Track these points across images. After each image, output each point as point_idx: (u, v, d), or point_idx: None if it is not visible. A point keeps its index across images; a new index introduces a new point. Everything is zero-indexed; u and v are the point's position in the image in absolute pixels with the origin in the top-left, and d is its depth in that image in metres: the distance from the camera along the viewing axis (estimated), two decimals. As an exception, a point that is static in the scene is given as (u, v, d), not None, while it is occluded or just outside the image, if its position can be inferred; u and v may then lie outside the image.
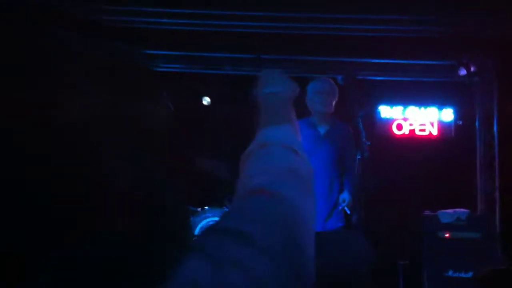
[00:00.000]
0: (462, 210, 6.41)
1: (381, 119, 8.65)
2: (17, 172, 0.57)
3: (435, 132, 8.67)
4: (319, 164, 5.21)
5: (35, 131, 0.57)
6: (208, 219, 7.05)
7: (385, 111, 8.67)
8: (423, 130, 8.68)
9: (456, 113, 8.70)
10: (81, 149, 0.59)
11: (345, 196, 5.68)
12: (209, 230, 0.77)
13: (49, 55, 0.63)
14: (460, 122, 8.66)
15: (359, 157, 5.11)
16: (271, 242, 0.76)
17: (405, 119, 8.68)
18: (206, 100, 8.64)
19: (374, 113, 8.50)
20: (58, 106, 0.59)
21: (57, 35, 0.68)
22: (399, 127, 8.66)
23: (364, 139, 5.07)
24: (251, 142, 1.07)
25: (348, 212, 5.75)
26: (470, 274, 5.98)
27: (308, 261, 0.81)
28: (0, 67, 0.60)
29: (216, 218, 7.03)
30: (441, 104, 8.71)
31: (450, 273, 6.00)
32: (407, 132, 8.65)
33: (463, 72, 7.93)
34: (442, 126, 8.68)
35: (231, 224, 0.78)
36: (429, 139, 8.65)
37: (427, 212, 6.49)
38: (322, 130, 5.81)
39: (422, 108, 8.72)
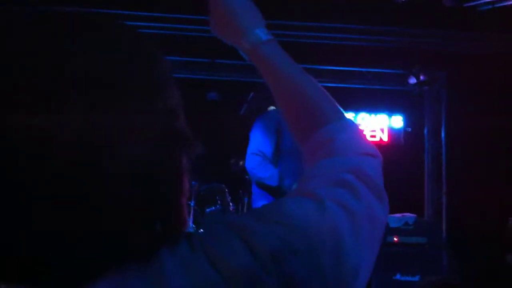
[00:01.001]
0: (410, 215, 6.54)
1: (333, 125, 8.74)
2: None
3: (385, 138, 8.84)
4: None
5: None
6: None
7: (337, 117, 8.76)
8: (374, 136, 8.84)
9: (406, 120, 8.89)
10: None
11: None
12: (216, 222, 0.75)
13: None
14: (409, 129, 8.85)
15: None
16: (277, 246, 0.69)
17: (356, 126, 8.80)
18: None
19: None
20: None
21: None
22: (351, 133, 8.76)
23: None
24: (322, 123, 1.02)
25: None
26: (417, 278, 6.11)
27: (322, 278, 0.71)
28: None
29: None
30: (391, 111, 8.88)
31: (398, 276, 6.11)
32: (358, 138, 8.76)
33: (412, 80, 8.10)
34: (392, 132, 8.86)
35: (244, 220, 0.74)
36: (379, 145, 8.80)
37: (376, 217, 6.59)
38: None
39: (373, 115, 8.87)
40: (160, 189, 0.66)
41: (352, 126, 1.02)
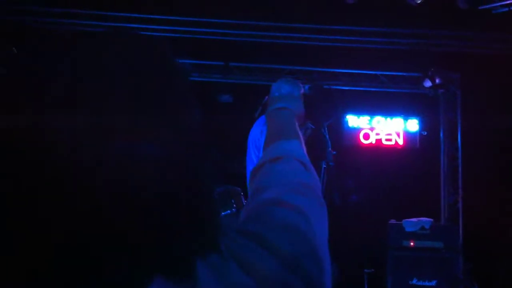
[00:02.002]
0: (426, 219, 6.49)
1: (348, 128, 8.73)
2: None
3: (401, 142, 8.78)
4: None
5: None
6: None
7: (352, 120, 8.75)
8: (390, 140, 8.78)
9: (421, 123, 8.83)
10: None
11: None
12: (231, 230, 0.79)
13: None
14: (425, 133, 8.78)
15: (324, 166, 5.13)
16: (294, 251, 0.78)
17: (371, 129, 8.77)
18: None
19: (341, 122, 8.57)
20: None
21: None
22: (366, 136, 8.74)
23: (330, 149, 5.10)
24: (262, 155, 1.10)
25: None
26: (433, 283, 6.06)
27: (323, 274, 0.82)
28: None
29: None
30: (406, 114, 8.83)
31: (414, 281, 6.06)
32: (374, 142, 8.74)
33: (428, 83, 8.05)
34: (408, 136, 8.79)
35: (254, 229, 0.81)
36: (395, 148, 8.75)
37: (392, 221, 6.56)
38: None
39: (388, 118, 8.82)
40: (194, 205, 0.67)
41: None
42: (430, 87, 8.15)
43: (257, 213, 0.89)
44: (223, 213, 7.21)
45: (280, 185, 0.96)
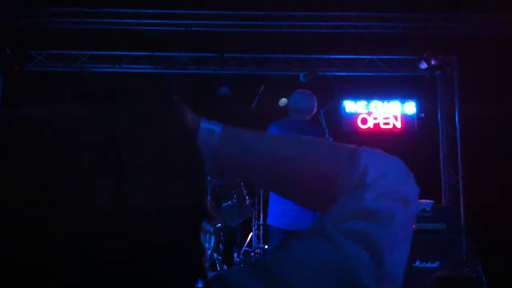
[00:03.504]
0: (427, 201, 6.50)
1: (345, 113, 8.73)
2: None
3: (399, 125, 8.78)
4: None
5: None
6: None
7: (349, 106, 8.75)
8: (387, 124, 8.78)
9: (418, 106, 8.83)
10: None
11: None
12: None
13: None
14: (423, 115, 8.79)
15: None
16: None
17: (369, 113, 8.78)
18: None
19: (338, 108, 8.57)
20: None
21: None
22: (364, 121, 8.74)
23: (327, 136, 5.08)
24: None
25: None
26: (437, 264, 6.08)
27: None
28: None
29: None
30: (403, 97, 8.83)
31: (417, 263, 6.08)
32: (372, 126, 8.75)
33: (423, 65, 8.05)
34: (405, 119, 8.80)
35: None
36: (393, 132, 8.76)
37: (393, 205, 6.57)
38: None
39: (386, 102, 8.82)
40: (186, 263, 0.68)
41: (364, 153, 0.87)
42: (426, 69, 8.14)
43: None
44: (224, 204, 7.23)
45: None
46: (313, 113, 5.35)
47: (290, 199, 0.88)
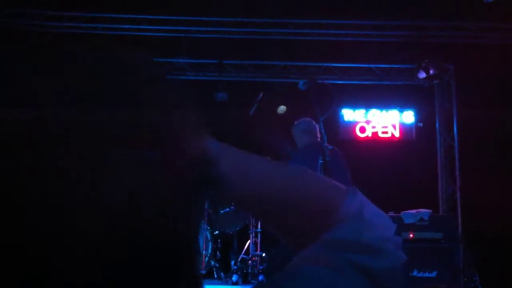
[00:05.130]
0: (424, 210, 6.49)
1: (344, 122, 8.74)
2: None
3: (397, 134, 8.79)
4: None
5: None
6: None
7: (348, 114, 8.76)
8: (386, 132, 8.79)
9: (417, 115, 8.84)
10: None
11: None
12: None
13: None
14: (421, 124, 8.80)
15: (321, 161, 5.11)
16: None
17: (367, 122, 8.78)
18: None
19: (337, 116, 8.58)
20: None
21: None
22: (362, 129, 8.75)
23: (326, 144, 5.08)
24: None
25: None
26: (434, 274, 6.06)
27: None
28: None
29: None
30: (402, 106, 8.84)
31: (415, 273, 6.07)
32: (370, 135, 8.75)
33: (422, 75, 8.06)
34: (404, 128, 8.81)
35: None
36: (391, 141, 8.77)
37: (390, 213, 6.56)
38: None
39: (384, 111, 8.83)
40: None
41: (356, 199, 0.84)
42: (424, 78, 8.16)
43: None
44: (222, 211, 7.23)
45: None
46: (316, 134, 5.45)
47: (276, 230, 0.85)
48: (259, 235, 7.27)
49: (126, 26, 7.67)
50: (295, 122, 5.75)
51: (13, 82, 0.57)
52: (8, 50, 0.62)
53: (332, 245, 0.74)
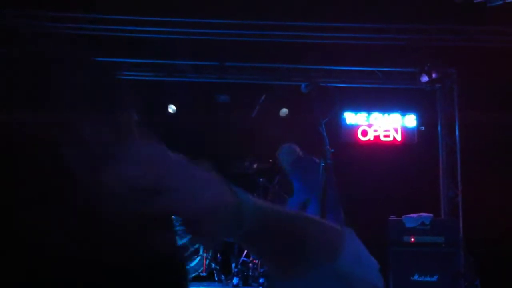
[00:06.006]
0: (426, 214, 6.48)
1: (346, 125, 8.73)
2: None
3: (399, 137, 8.78)
4: None
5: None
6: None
7: (349, 117, 8.75)
8: (388, 136, 8.77)
9: (419, 119, 8.83)
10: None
11: None
12: None
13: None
14: (423, 128, 8.79)
15: (322, 164, 5.11)
16: None
17: (369, 125, 8.77)
18: (171, 108, 8.59)
19: (338, 119, 8.57)
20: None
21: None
22: (364, 133, 8.74)
23: (327, 147, 5.08)
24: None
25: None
26: (435, 278, 6.05)
27: None
28: None
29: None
30: (404, 110, 8.83)
31: (416, 277, 6.06)
32: (372, 138, 8.74)
33: (424, 78, 8.05)
34: (406, 132, 8.80)
35: None
36: (393, 144, 8.75)
37: (392, 217, 6.55)
38: None
39: (386, 115, 8.82)
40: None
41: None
42: (427, 82, 8.14)
43: None
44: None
45: None
46: (299, 152, 6.13)
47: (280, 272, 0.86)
48: (260, 238, 7.25)
49: (128, 27, 7.66)
50: (280, 148, 6.28)
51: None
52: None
53: (336, 275, 0.80)
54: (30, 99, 0.58)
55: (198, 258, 7.11)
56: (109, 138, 0.61)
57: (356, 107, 8.73)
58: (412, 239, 6.29)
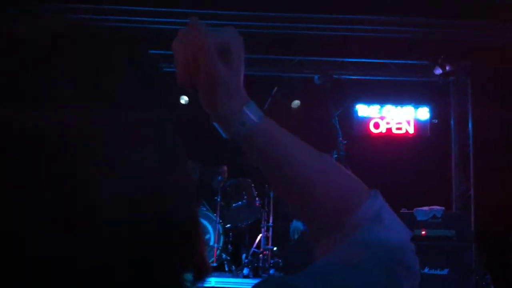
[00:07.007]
0: (437, 207, 6.46)
1: (358, 117, 8.71)
2: None
3: (411, 130, 8.75)
4: None
5: None
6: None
7: (362, 109, 8.73)
8: (400, 129, 8.75)
9: (432, 111, 8.80)
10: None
11: None
12: None
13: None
14: (436, 121, 8.75)
15: (335, 156, 5.12)
16: None
17: (382, 118, 8.75)
18: (183, 99, 8.58)
19: (351, 112, 8.55)
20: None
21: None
22: (376, 125, 8.72)
23: (340, 138, 5.09)
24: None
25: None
26: (445, 271, 6.04)
27: None
28: None
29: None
30: (417, 103, 8.80)
31: (426, 270, 6.05)
32: (384, 131, 8.72)
33: (438, 71, 8.01)
34: (418, 124, 8.77)
35: None
36: (405, 137, 8.73)
37: (403, 210, 6.54)
38: None
39: (399, 107, 8.79)
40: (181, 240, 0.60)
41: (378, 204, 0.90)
42: (440, 75, 8.10)
43: None
44: (234, 205, 7.24)
45: None
46: None
47: (298, 212, 0.93)
48: (270, 229, 7.28)
49: (128, 18, 7.60)
50: None
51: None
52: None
53: (356, 246, 0.81)
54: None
55: (209, 249, 7.15)
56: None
57: (369, 99, 8.71)
58: (423, 232, 6.28)
